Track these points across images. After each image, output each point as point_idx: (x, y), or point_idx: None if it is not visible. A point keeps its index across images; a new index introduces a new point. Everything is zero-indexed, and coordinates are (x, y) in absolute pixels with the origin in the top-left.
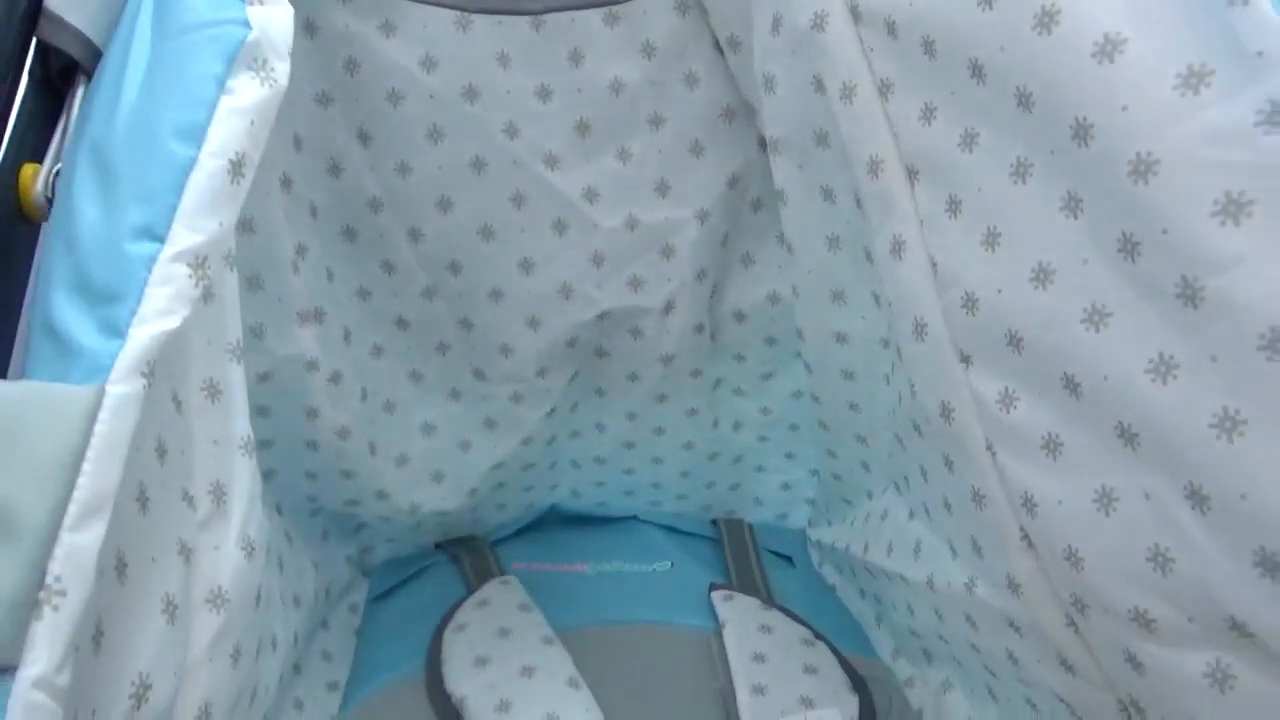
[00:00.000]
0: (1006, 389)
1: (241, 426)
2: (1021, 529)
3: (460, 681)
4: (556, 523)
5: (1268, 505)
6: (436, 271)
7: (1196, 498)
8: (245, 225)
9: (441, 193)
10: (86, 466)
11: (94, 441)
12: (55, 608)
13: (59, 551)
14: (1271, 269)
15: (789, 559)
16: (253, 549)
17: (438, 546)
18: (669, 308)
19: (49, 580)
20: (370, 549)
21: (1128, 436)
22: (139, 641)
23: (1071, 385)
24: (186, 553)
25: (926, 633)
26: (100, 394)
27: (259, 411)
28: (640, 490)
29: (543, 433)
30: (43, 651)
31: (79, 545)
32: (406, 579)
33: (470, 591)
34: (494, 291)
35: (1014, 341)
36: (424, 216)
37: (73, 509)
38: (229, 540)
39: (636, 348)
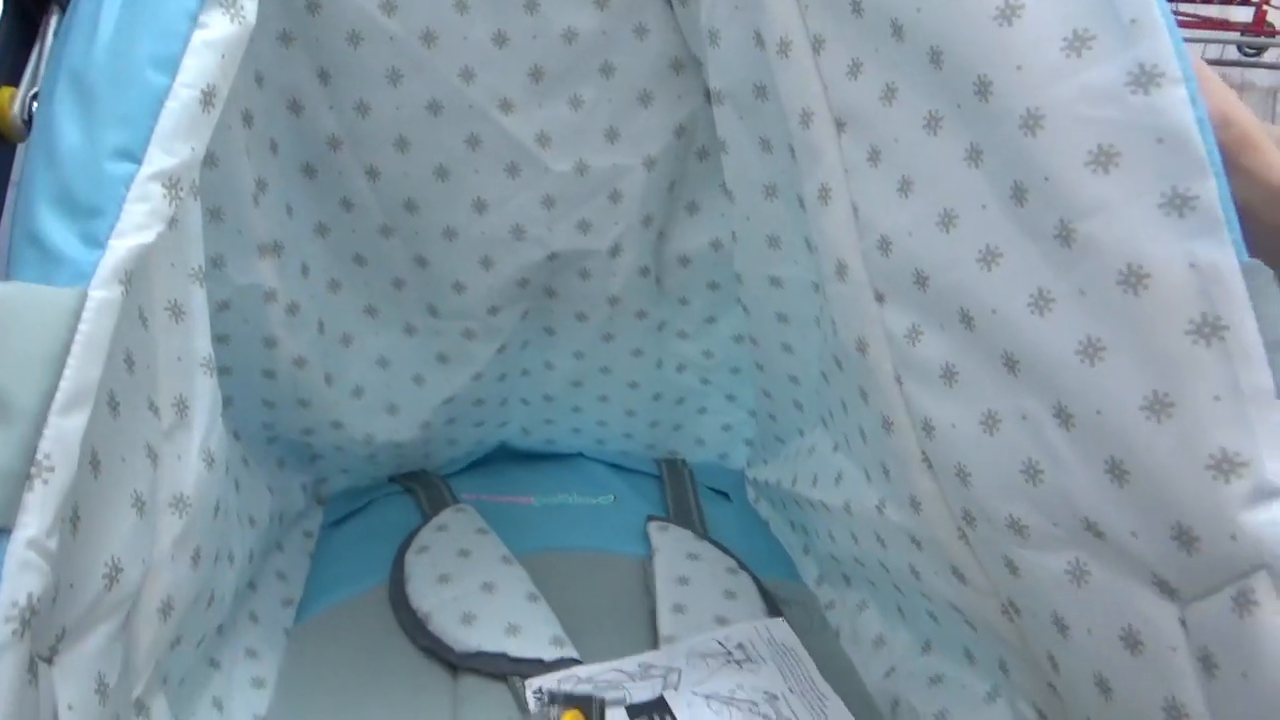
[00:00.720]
0: (914, 325)
1: (203, 346)
2: (922, 452)
3: (424, 597)
4: (506, 458)
5: (1118, 421)
6: (393, 210)
7: (1063, 416)
8: (208, 159)
9: (399, 133)
10: (71, 361)
11: (78, 339)
12: (45, 481)
13: (48, 433)
14: (1130, 213)
15: (727, 495)
16: (213, 461)
17: (391, 480)
18: (616, 250)
19: (39, 457)
20: (325, 480)
21: (1010, 364)
22: (112, 529)
23: (966, 319)
24: (153, 456)
25: (845, 557)
26: (83, 297)
27: (219, 339)
28: (587, 429)
29: (493, 369)
30: (34, 517)
31: (66, 429)
32: (361, 507)
33: (425, 518)
34: (448, 231)
35: (920, 280)
36: (382, 156)
37: (60, 397)
38: (191, 450)
39: (585, 288)
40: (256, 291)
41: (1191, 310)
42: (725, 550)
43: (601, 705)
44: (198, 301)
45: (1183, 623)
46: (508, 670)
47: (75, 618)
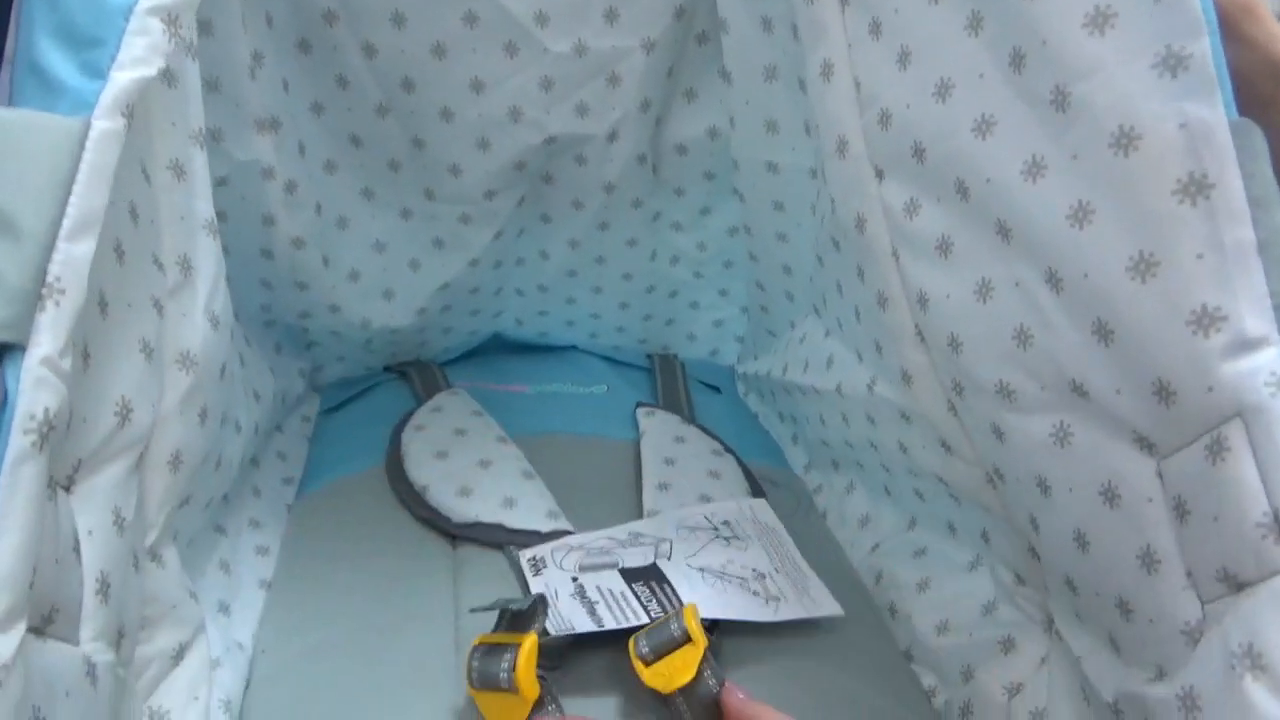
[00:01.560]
0: (911, 198)
1: (205, 208)
2: (916, 325)
3: (422, 472)
4: (500, 349)
5: (1104, 283)
6: (389, 88)
7: (1053, 281)
8: (204, 27)
9: (395, 8)
10: (77, 188)
11: (83, 167)
12: (57, 303)
13: (57, 257)
14: (1125, 73)
15: (717, 389)
16: (217, 322)
17: (386, 369)
18: (613, 136)
19: (50, 280)
20: (321, 368)
21: (1004, 232)
22: (121, 369)
23: (962, 189)
24: (159, 309)
25: (834, 440)
26: (87, 125)
27: (217, 215)
28: (581, 321)
29: (489, 256)
30: (47, 336)
31: (74, 254)
32: (357, 394)
33: (420, 403)
34: (445, 111)
35: (918, 153)
36: (377, 31)
37: (67, 223)
38: (196, 309)
39: (581, 174)
40: (254, 168)
41: (1179, 169)
42: (711, 434)
43: (546, 607)
44: (199, 164)
45: (1159, 475)
46: (504, 540)
47: (90, 451)
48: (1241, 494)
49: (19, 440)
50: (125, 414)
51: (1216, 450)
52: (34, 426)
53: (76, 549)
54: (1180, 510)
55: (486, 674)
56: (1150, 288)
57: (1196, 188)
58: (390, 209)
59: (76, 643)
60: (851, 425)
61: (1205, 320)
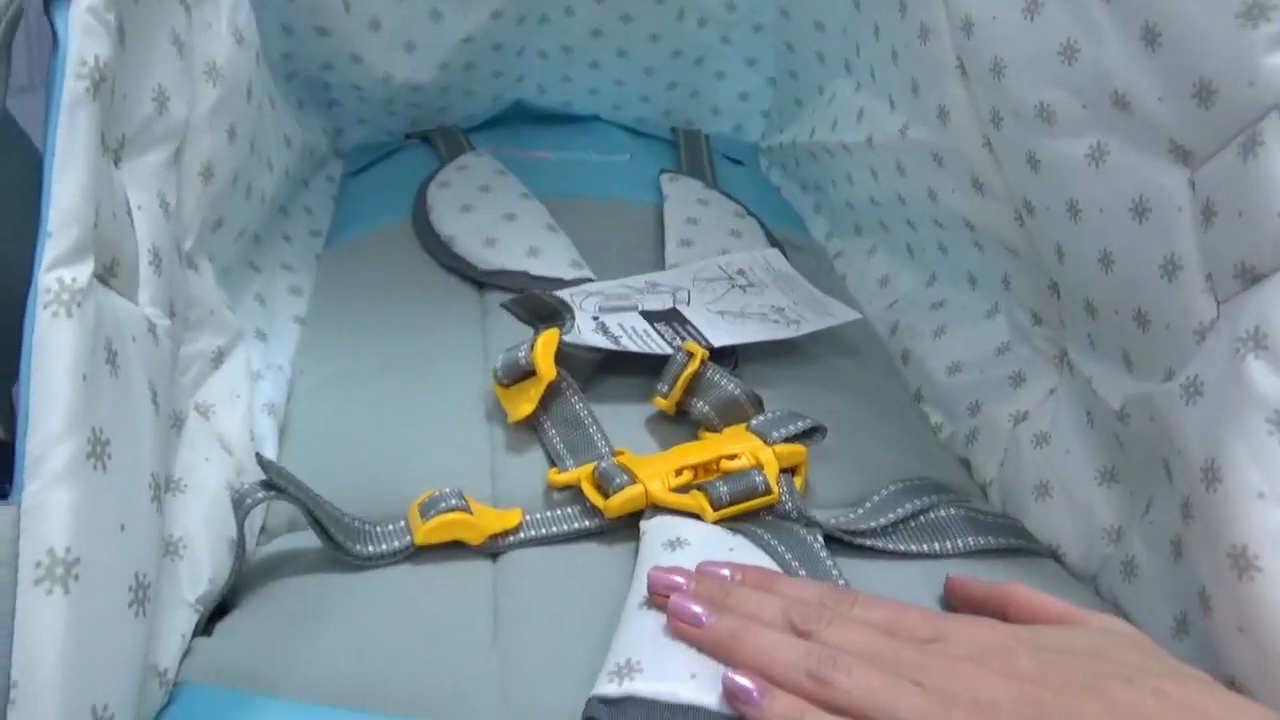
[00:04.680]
0: None
1: None
2: (957, 56)
3: (448, 224)
4: (523, 118)
5: None
6: None
7: None
8: None
9: None
10: None
11: None
12: None
13: None
14: None
15: (739, 163)
16: (241, 38)
17: (408, 136)
18: None
19: None
20: (343, 131)
21: None
22: (155, 58)
23: None
24: (186, 8)
25: (859, 201)
26: None
27: None
28: (604, 89)
29: (512, 9)
30: None
31: None
32: (381, 157)
33: (445, 164)
34: None
35: None
36: None
37: None
38: (220, 21)
39: None
40: None
41: None
42: (734, 199)
43: (571, 313)
44: None
45: (1191, 184)
46: (528, 287)
47: (134, 131)
48: (1269, 187)
49: (74, 84)
50: (162, 101)
51: (1250, 147)
52: (86, 72)
53: (129, 214)
54: (1208, 213)
55: (508, 362)
56: None
57: None
58: None
59: (137, 303)
60: (879, 179)
61: (1255, 11)
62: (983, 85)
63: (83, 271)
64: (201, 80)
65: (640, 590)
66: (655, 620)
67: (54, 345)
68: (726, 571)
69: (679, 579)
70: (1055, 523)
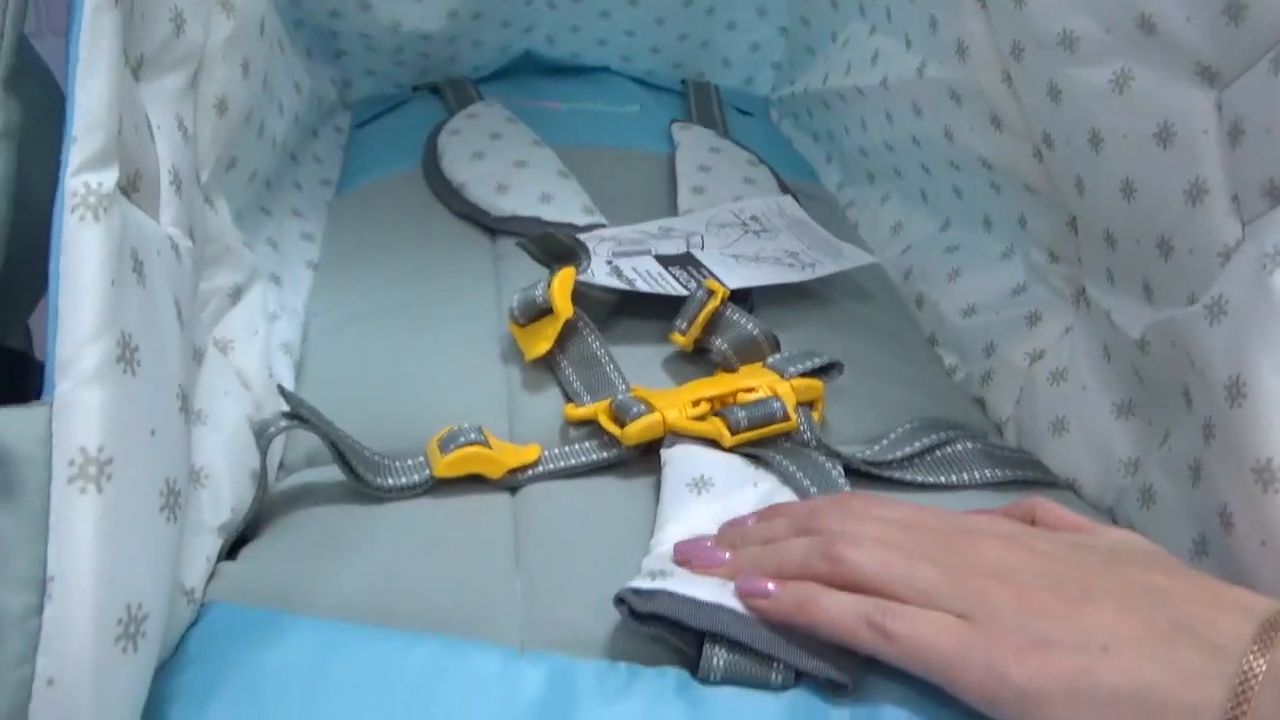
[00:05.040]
0: None
1: None
2: None
3: (459, 170)
4: (532, 70)
5: None
6: None
7: None
8: None
9: None
10: None
11: None
12: None
13: None
14: None
15: (750, 114)
16: None
17: (415, 89)
18: None
19: None
20: (351, 83)
21: None
22: None
23: None
24: None
25: (873, 146)
26: None
27: None
28: (614, 39)
29: None
30: None
31: None
32: (389, 108)
33: (454, 114)
34: None
35: None
36: None
37: None
38: None
39: None
40: None
41: None
42: (746, 148)
43: (587, 253)
44: None
45: (1218, 106)
46: (540, 232)
47: (152, 50)
48: None
49: None
50: (179, 23)
51: (1279, 62)
52: None
53: (150, 131)
54: (1235, 134)
55: (525, 300)
56: None
57: None
58: None
59: (159, 222)
60: (894, 122)
61: None
62: (1003, 16)
63: (108, 177)
64: (216, 9)
65: (666, 533)
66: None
67: (82, 248)
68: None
69: (709, 551)
70: (1072, 457)
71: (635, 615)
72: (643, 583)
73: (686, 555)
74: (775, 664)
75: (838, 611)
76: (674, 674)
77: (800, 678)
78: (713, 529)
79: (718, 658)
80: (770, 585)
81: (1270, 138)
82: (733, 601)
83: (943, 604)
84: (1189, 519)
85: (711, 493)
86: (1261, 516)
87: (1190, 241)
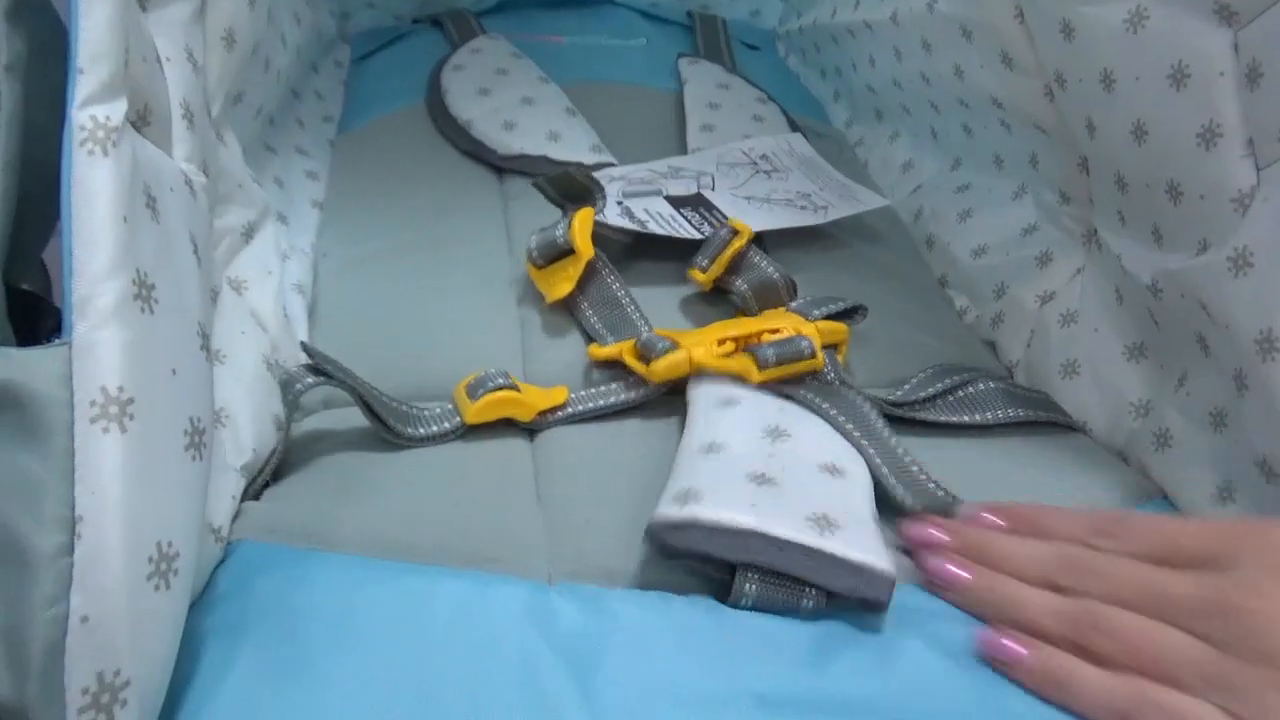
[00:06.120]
0: None
1: None
2: None
3: (465, 107)
4: (533, 4)
5: None
6: None
7: None
8: None
9: None
10: None
11: None
12: None
13: None
14: None
15: (756, 48)
16: None
17: (415, 21)
18: None
19: None
20: (349, 16)
21: None
22: None
23: None
24: None
25: (881, 84)
26: None
27: None
28: None
29: None
30: None
31: None
32: (390, 41)
33: (456, 48)
34: None
35: None
36: None
37: None
38: None
39: None
40: None
41: None
42: (755, 84)
43: (603, 193)
44: None
45: (1235, 46)
46: (549, 171)
47: None
48: None
49: None
50: None
51: None
52: None
53: (159, 62)
54: (1253, 75)
55: (544, 241)
56: None
57: None
58: None
59: (171, 157)
60: (904, 59)
61: None
62: None
63: (116, 110)
64: None
65: (698, 436)
66: (715, 460)
67: (93, 184)
68: (990, 516)
69: (936, 532)
70: (1082, 399)
71: (666, 549)
72: (671, 510)
73: (917, 541)
74: (807, 589)
75: (1097, 696)
76: (704, 602)
77: (833, 598)
78: (741, 438)
79: (750, 585)
80: (1020, 649)
81: None
82: (765, 524)
83: (1213, 696)
84: (1212, 465)
85: (738, 408)
86: None
87: (1201, 187)
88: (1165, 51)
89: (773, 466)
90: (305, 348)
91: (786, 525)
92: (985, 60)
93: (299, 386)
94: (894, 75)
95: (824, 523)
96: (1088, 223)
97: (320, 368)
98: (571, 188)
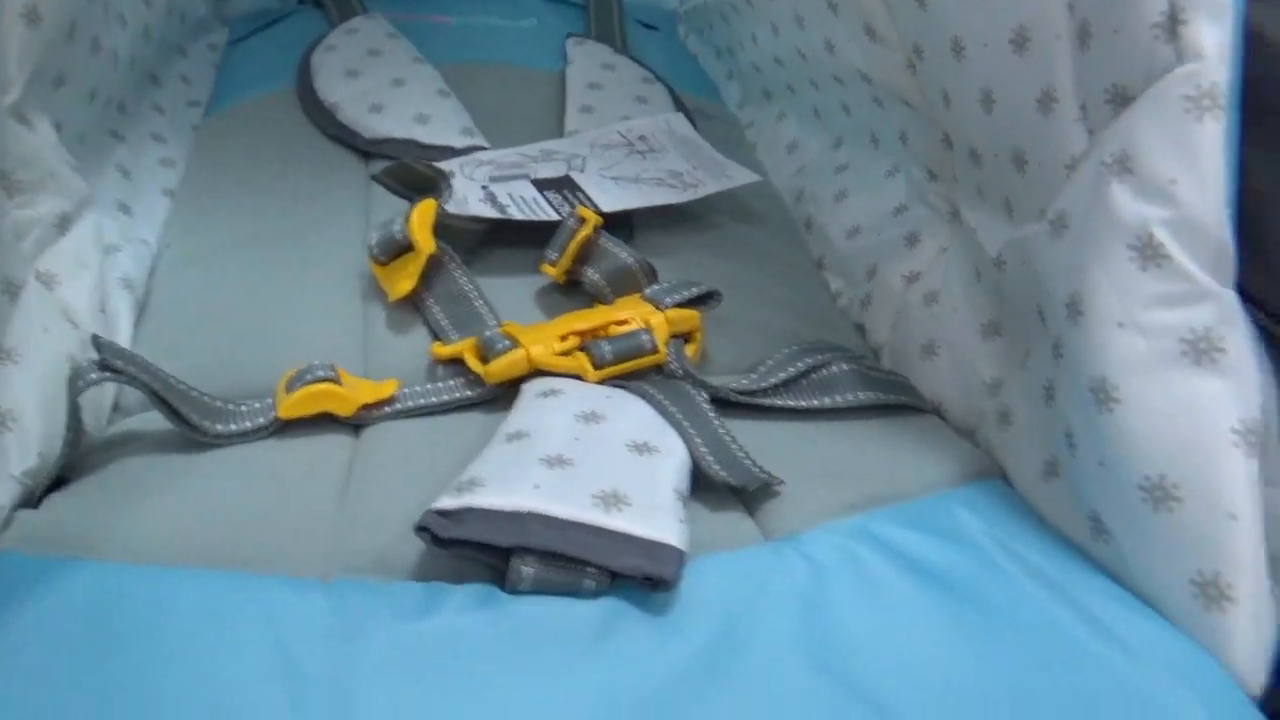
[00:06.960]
0: None
1: None
2: None
3: (332, 90)
4: None
5: None
6: None
7: None
8: None
9: None
10: None
11: None
12: None
13: None
14: None
15: (654, 28)
16: None
17: (300, 1)
18: None
19: None
20: None
21: None
22: None
23: None
24: None
25: (765, 62)
26: None
27: None
28: None
29: None
30: None
31: None
32: (268, 24)
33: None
34: None
35: None
36: None
37: None
38: None
39: None
40: None
41: None
42: (642, 64)
43: (448, 182)
44: None
45: (1070, 7)
46: (416, 156)
47: None
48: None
49: None
50: None
51: None
52: None
53: None
54: (1084, 36)
55: (384, 238)
56: None
57: None
58: None
59: None
60: (780, 35)
61: None
62: None
63: None
64: None
65: (509, 425)
66: (512, 447)
67: None
68: None
69: None
70: (939, 380)
71: (439, 541)
72: (448, 501)
73: None
74: (588, 569)
75: None
76: (480, 589)
77: (616, 579)
78: (551, 423)
79: (526, 568)
80: None
81: (1117, 38)
82: (545, 505)
83: None
84: (1041, 440)
85: (560, 398)
86: (1098, 436)
87: (1041, 154)
88: (1008, 15)
89: (575, 449)
90: (95, 341)
91: (568, 505)
92: (852, 34)
93: (81, 383)
94: (774, 52)
95: (611, 499)
96: (953, 200)
97: (109, 363)
98: (413, 179)
